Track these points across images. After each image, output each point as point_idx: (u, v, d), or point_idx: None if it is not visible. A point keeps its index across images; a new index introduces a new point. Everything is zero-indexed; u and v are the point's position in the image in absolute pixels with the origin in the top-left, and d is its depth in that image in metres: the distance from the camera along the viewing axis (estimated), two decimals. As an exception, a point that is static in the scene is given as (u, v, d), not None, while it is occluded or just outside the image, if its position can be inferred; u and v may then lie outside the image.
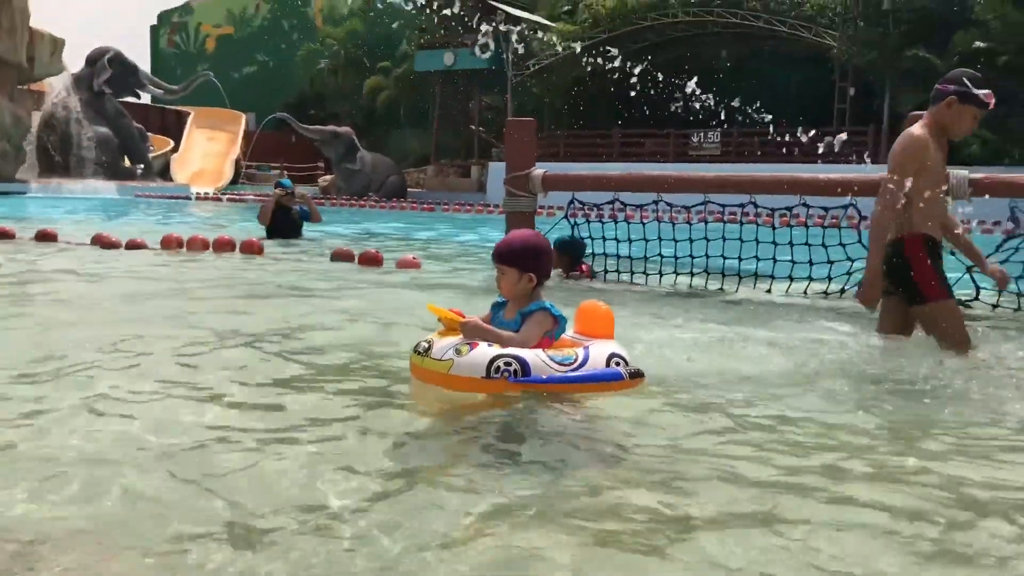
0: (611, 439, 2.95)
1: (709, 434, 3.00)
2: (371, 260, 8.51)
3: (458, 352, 3.36)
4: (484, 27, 29.50)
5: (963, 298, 6.21)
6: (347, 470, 2.54)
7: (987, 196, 5.95)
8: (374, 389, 3.61)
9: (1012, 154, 22.84)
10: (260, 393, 3.49)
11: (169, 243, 9.20)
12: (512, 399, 3.26)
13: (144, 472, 2.51)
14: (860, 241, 6.59)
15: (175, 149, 36.97)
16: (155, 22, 57.96)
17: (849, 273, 6.61)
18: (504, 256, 3.59)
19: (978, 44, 23.36)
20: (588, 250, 7.69)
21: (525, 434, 2.97)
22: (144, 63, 43.50)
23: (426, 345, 3.49)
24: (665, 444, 2.88)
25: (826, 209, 6.89)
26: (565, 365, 3.35)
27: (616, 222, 7.72)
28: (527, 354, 3.33)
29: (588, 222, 7.82)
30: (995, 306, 6.12)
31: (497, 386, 3.29)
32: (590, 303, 3.85)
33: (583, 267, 7.54)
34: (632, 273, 7.47)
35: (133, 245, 9.24)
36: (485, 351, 3.34)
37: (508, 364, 3.29)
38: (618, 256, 7.59)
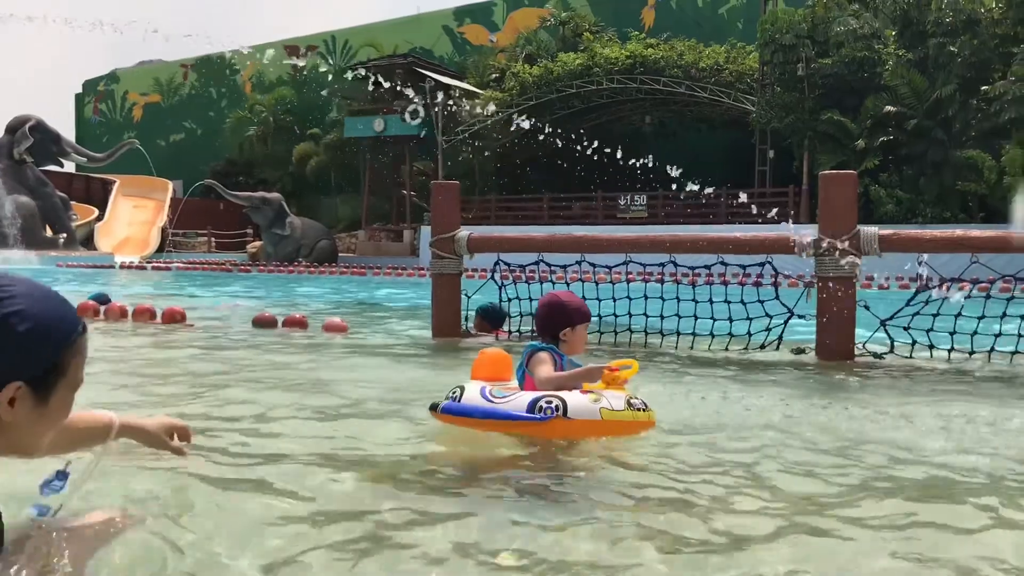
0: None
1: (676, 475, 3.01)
2: (296, 324, 8.42)
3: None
4: (413, 95, 29.90)
5: (878, 350, 6.40)
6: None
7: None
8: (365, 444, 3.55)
9: (924, 213, 23.73)
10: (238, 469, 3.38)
11: (84, 311, 8.97)
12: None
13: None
14: (777, 298, 6.76)
15: (100, 217, 36.32)
16: (80, 90, 57.36)
17: (768, 329, 6.75)
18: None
19: (888, 108, 24.39)
20: (516, 309, 7.76)
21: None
22: (69, 131, 42.99)
23: (640, 401, 3.62)
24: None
25: (743, 267, 7.04)
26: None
27: (542, 283, 7.78)
28: None
29: (515, 283, 7.87)
30: (908, 357, 6.29)
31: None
32: (490, 351, 4.01)
33: (500, 332, 7.66)
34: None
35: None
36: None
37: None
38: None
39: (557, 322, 3.96)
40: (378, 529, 2.52)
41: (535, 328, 4.15)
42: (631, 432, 3.59)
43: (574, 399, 3.46)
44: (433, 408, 3.65)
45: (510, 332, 7.61)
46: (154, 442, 2.59)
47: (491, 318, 7.61)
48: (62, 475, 2.13)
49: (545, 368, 3.72)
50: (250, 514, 2.59)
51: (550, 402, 3.43)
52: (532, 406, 3.43)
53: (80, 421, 2.31)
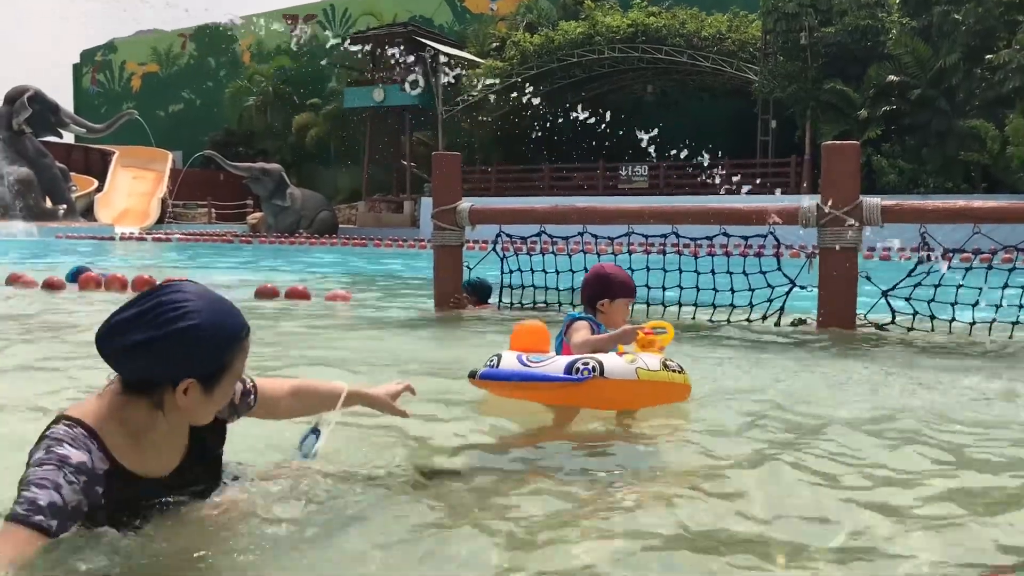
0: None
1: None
2: (298, 295, 8.42)
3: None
4: (413, 64, 29.72)
5: (879, 322, 6.40)
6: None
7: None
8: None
9: (927, 183, 23.64)
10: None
11: (87, 283, 8.98)
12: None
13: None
14: (779, 268, 6.75)
15: (99, 189, 36.22)
16: (77, 60, 56.98)
17: (770, 300, 6.75)
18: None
19: (891, 78, 24.21)
20: (517, 281, 7.75)
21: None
22: (67, 102, 42.71)
23: (676, 364, 3.63)
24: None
25: (745, 238, 7.03)
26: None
27: (543, 255, 7.77)
28: None
29: (516, 255, 7.86)
30: (910, 329, 6.29)
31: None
32: (527, 323, 3.98)
33: (484, 306, 7.68)
34: (546, 304, 7.52)
35: (49, 285, 9.00)
36: None
37: None
38: (546, 288, 7.63)
39: (595, 292, 4.01)
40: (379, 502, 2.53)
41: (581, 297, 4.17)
42: (667, 395, 3.61)
43: (611, 360, 3.49)
44: (472, 375, 3.70)
45: (499, 304, 7.60)
46: (380, 406, 2.84)
47: (475, 292, 7.65)
48: (315, 431, 2.69)
49: (581, 333, 3.78)
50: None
51: (586, 363, 3.46)
52: (569, 368, 3.48)
53: (315, 390, 2.72)
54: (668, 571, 2.11)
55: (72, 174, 34.63)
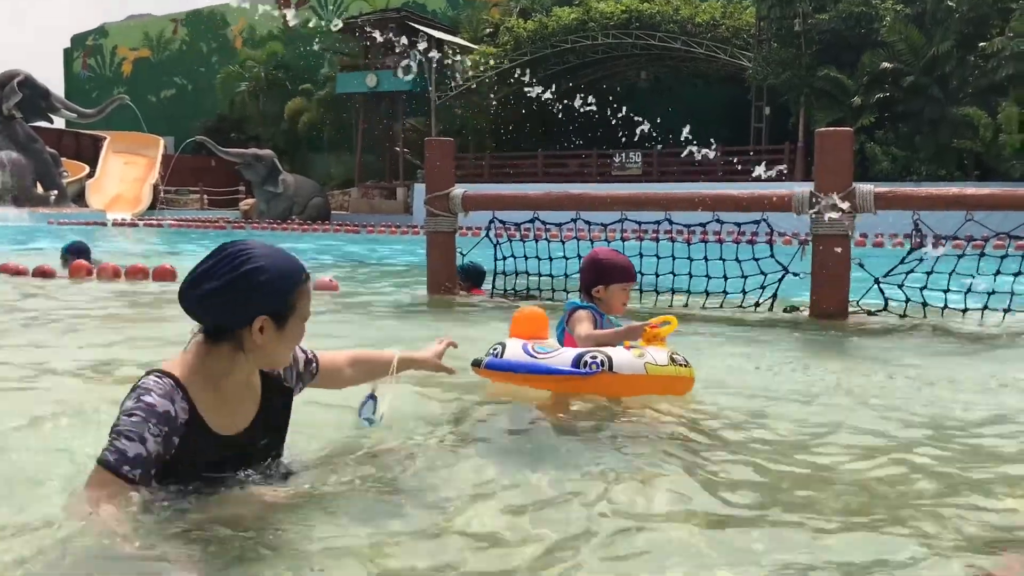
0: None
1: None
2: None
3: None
4: (407, 49, 29.57)
5: (871, 308, 6.41)
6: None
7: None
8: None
9: (919, 170, 23.66)
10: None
11: (79, 271, 8.92)
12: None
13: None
14: (772, 255, 6.75)
15: (91, 174, 36.04)
16: (68, 45, 56.64)
17: (762, 287, 6.75)
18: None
19: (885, 65, 24.20)
20: (511, 267, 7.73)
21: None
22: (58, 87, 42.51)
23: (682, 357, 3.63)
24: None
25: (738, 225, 7.02)
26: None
27: (536, 241, 7.75)
28: None
29: (510, 241, 7.84)
30: (902, 315, 6.30)
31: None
32: (527, 309, 3.99)
33: (479, 291, 7.69)
34: (540, 291, 7.51)
35: (41, 272, 8.95)
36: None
37: None
38: (539, 274, 7.62)
39: (590, 279, 3.94)
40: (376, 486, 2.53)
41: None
42: (674, 387, 3.62)
43: (619, 354, 3.51)
44: (476, 364, 3.70)
45: (492, 292, 7.58)
46: (430, 367, 3.06)
47: (469, 277, 7.65)
48: (371, 398, 2.95)
49: (584, 326, 3.74)
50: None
51: (595, 357, 3.49)
52: (577, 361, 3.50)
53: (369, 359, 2.95)
54: (658, 556, 2.11)
55: (63, 160, 34.42)
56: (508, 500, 2.45)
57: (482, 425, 3.29)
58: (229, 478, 2.33)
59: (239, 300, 2.23)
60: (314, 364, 2.69)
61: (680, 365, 3.59)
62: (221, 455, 2.31)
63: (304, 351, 2.66)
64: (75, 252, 9.33)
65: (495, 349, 3.71)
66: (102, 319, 6.29)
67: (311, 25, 44.33)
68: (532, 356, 3.60)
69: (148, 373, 2.25)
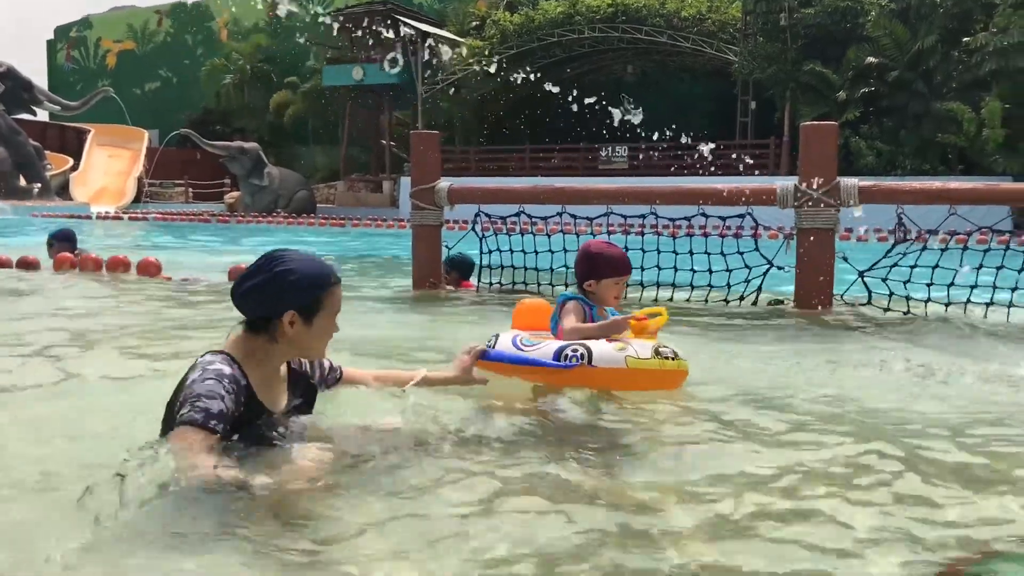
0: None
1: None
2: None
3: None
4: (393, 42, 29.47)
5: (854, 301, 6.44)
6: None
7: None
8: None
9: (904, 164, 23.77)
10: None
11: (62, 263, 8.86)
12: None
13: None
14: (757, 249, 6.77)
15: (75, 167, 35.80)
16: (51, 36, 56.19)
17: (747, 280, 6.77)
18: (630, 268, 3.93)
19: (870, 59, 24.28)
20: (497, 262, 7.72)
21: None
22: (41, 79, 42.17)
23: (669, 350, 3.56)
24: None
25: (723, 219, 7.04)
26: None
27: (523, 235, 7.75)
28: None
29: (496, 235, 7.84)
30: (886, 309, 6.34)
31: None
32: (528, 300, 4.07)
33: (468, 283, 7.64)
34: (525, 284, 7.51)
35: (25, 264, 8.89)
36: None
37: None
38: (525, 268, 7.62)
39: (582, 272, 3.90)
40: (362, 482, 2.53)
41: None
42: (660, 382, 3.56)
43: (600, 347, 3.50)
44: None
45: (477, 287, 7.58)
46: (460, 382, 3.36)
47: (458, 268, 7.60)
48: None
49: (570, 319, 3.74)
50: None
51: (576, 350, 3.50)
52: (559, 354, 3.51)
53: (395, 377, 3.31)
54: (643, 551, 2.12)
55: (47, 152, 34.18)
56: (470, 500, 2.45)
57: (472, 421, 3.29)
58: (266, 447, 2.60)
59: (273, 296, 2.63)
60: (338, 372, 3.14)
61: (666, 358, 3.53)
62: (265, 431, 2.62)
63: (331, 362, 3.08)
64: (61, 239, 9.24)
65: (490, 341, 3.74)
66: (85, 312, 6.25)
67: (297, 12, 44.13)
68: (519, 348, 3.63)
69: (203, 354, 2.62)
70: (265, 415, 2.64)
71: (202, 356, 2.61)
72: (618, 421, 3.28)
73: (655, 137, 24.28)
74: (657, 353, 3.51)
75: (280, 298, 2.63)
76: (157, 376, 3.86)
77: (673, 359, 3.55)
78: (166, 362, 4.19)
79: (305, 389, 2.89)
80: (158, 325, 5.65)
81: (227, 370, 2.53)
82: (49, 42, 56.16)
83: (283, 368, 2.80)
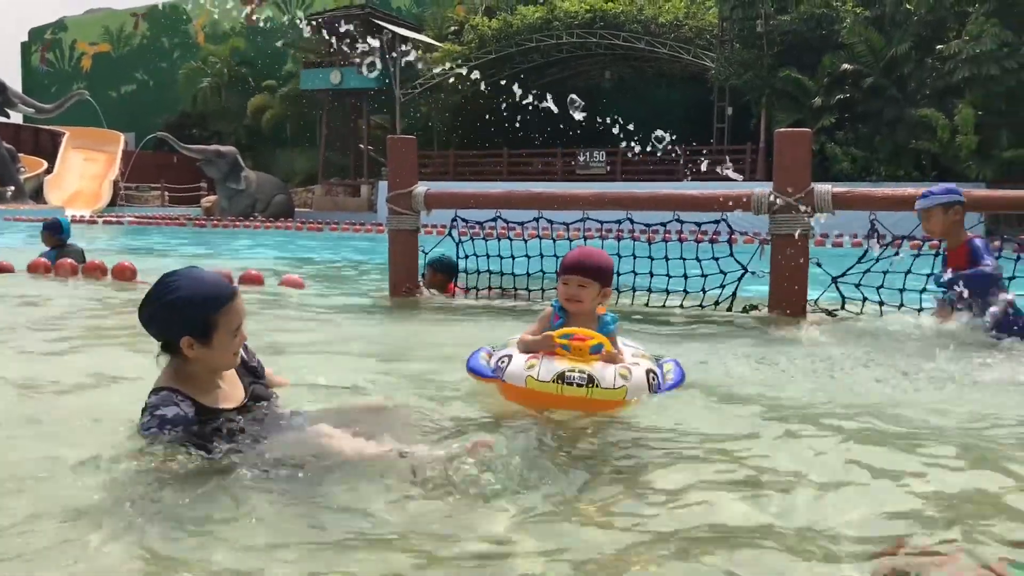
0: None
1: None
2: (251, 280, 8.33)
3: (623, 377, 3.37)
4: (371, 46, 29.40)
5: (828, 307, 6.50)
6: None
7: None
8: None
9: (878, 171, 24.00)
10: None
11: (36, 267, 8.78)
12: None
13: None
14: (732, 255, 6.81)
15: (49, 170, 35.47)
16: (26, 38, 55.69)
17: (722, 286, 6.81)
18: (591, 271, 3.61)
19: (845, 66, 24.51)
20: (474, 267, 7.72)
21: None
22: (15, 81, 41.80)
23: (581, 376, 3.32)
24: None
25: (699, 224, 7.08)
26: None
27: (499, 240, 7.76)
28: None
29: (473, 240, 7.83)
30: (858, 314, 6.39)
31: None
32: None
33: (453, 286, 7.60)
34: (515, 290, 7.52)
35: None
36: (640, 368, 3.47)
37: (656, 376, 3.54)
38: (501, 273, 7.63)
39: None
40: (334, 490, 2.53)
41: None
42: (564, 405, 3.36)
43: (515, 362, 3.45)
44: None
45: (466, 290, 7.58)
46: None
47: (444, 270, 7.52)
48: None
49: (533, 325, 3.72)
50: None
51: (502, 361, 3.49)
52: (496, 363, 3.54)
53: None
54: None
55: (21, 155, 33.87)
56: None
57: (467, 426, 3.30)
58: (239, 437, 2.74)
59: (165, 324, 2.72)
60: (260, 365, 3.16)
61: (568, 384, 3.30)
62: (234, 421, 2.76)
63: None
64: (50, 228, 9.23)
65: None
66: (58, 316, 6.20)
67: (272, 16, 43.96)
68: (487, 356, 3.68)
69: (150, 393, 2.75)
70: (223, 415, 2.75)
71: (148, 398, 2.73)
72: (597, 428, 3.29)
73: (633, 142, 24.36)
74: (561, 378, 3.31)
75: (172, 325, 2.71)
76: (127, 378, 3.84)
77: (581, 386, 3.31)
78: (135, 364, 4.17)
79: (250, 370, 3.04)
80: (134, 326, 5.61)
81: (168, 413, 2.64)
82: (23, 44, 55.69)
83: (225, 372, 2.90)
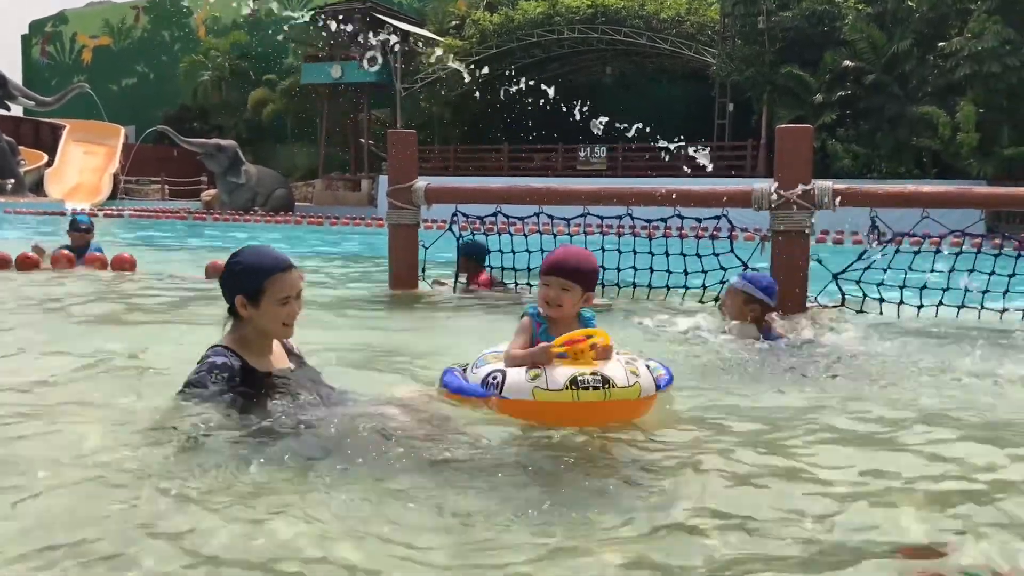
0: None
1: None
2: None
3: (634, 373, 3.12)
4: (372, 40, 29.38)
5: (829, 304, 6.49)
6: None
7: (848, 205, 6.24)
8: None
9: (879, 167, 23.98)
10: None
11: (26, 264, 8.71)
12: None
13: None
14: (732, 251, 6.81)
15: (49, 163, 35.45)
16: (26, 31, 55.59)
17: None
18: (574, 273, 3.29)
19: (846, 63, 24.48)
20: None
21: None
22: (15, 74, 41.72)
23: (595, 378, 3.02)
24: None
25: (699, 220, 7.06)
26: None
27: (500, 235, 7.74)
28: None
29: (473, 234, 7.82)
30: (859, 311, 6.38)
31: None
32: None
33: (483, 275, 7.41)
34: (504, 284, 7.49)
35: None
36: (640, 363, 3.23)
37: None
38: (502, 268, 7.61)
39: None
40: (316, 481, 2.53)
41: None
42: (580, 416, 3.07)
43: (513, 375, 3.11)
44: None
45: (503, 283, 7.43)
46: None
47: (475, 253, 7.29)
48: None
49: (515, 339, 3.33)
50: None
51: (495, 377, 3.15)
52: (485, 380, 3.19)
53: None
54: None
55: (21, 148, 33.84)
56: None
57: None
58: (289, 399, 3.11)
59: (228, 285, 3.17)
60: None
61: (585, 388, 3.00)
62: (280, 384, 3.14)
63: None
64: (78, 228, 9.11)
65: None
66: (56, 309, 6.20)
67: (275, 10, 43.90)
68: (471, 371, 3.36)
69: (207, 349, 3.16)
70: (266, 377, 3.13)
71: (206, 351, 3.16)
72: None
73: (633, 137, 24.31)
74: (574, 383, 3.00)
75: (231, 286, 3.15)
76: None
77: (596, 388, 3.01)
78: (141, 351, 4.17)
79: (295, 356, 3.37)
80: (133, 317, 5.61)
81: (218, 361, 3.07)
82: (24, 37, 55.54)
83: (276, 345, 3.27)
